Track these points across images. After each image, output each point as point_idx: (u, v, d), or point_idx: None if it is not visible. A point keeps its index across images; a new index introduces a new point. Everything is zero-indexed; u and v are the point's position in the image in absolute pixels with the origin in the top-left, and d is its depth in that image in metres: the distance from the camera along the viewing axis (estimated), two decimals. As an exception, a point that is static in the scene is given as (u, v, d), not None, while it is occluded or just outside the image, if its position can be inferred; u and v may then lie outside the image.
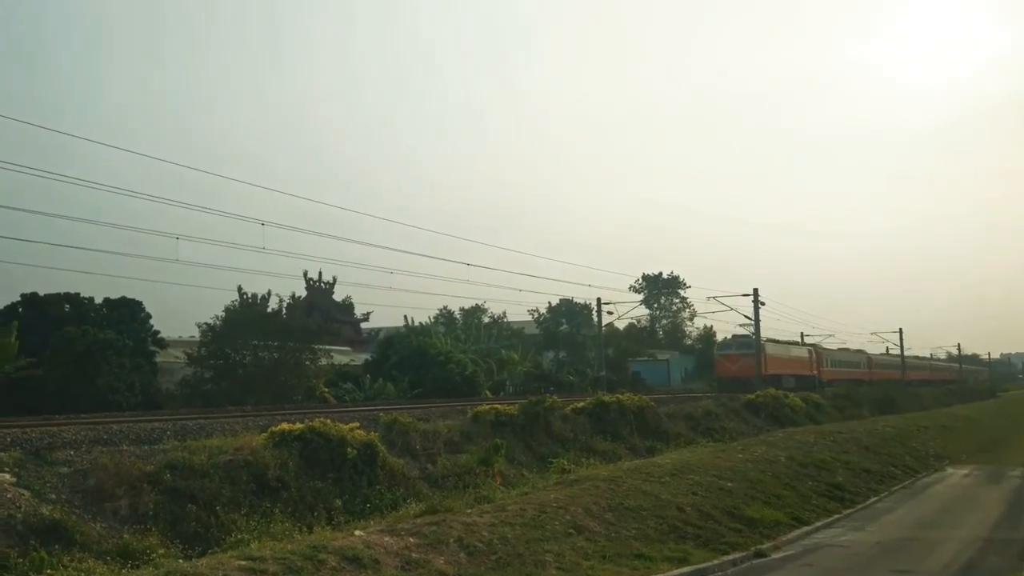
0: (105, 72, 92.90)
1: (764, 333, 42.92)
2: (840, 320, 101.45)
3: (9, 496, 8.88)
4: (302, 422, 12.24)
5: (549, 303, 55.63)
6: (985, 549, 11.74)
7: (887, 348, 73.12)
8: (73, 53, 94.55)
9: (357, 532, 9.01)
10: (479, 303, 54.06)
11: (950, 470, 22.23)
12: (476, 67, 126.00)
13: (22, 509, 8.75)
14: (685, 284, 70.78)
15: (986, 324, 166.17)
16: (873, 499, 16.41)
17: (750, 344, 41.00)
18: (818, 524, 13.34)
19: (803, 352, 49.21)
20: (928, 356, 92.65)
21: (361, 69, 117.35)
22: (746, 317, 40.67)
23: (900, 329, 70.11)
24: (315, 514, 10.68)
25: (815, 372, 48.51)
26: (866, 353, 64.48)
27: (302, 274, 45.84)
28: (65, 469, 9.92)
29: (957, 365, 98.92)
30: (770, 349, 43.02)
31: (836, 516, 14.23)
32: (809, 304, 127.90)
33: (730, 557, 10.54)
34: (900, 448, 23.57)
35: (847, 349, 62.55)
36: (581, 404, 20.73)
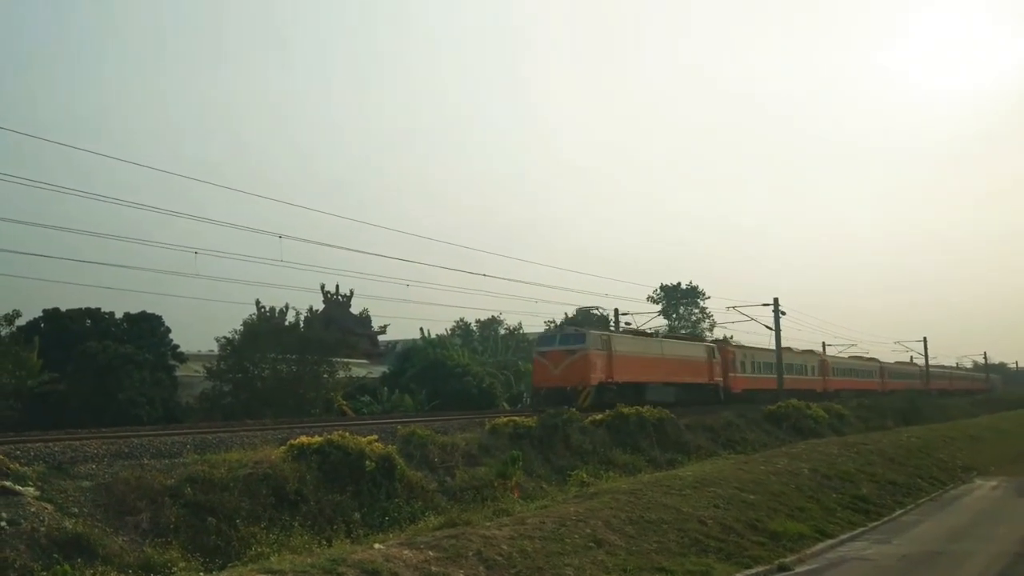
0: (114, 84, 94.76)
1: (785, 343, 41.55)
2: (864, 330, 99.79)
3: (33, 510, 8.99)
4: (320, 435, 12.30)
5: (566, 314, 55.11)
6: (1015, 563, 11.45)
7: (911, 357, 71.85)
8: (86, 67, 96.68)
9: (376, 545, 8.99)
10: (495, 314, 53.99)
11: (978, 482, 21.76)
12: (484, 78, 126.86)
13: (45, 523, 8.86)
14: (704, 294, 70.19)
15: (1014, 332, 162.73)
16: (899, 511, 16.10)
17: (581, 337, 26.32)
18: (843, 537, 13.10)
19: (695, 351, 33.56)
20: (954, 365, 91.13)
21: (375, 85, 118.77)
22: (767, 327, 39.82)
23: (924, 338, 69.01)
24: (334, 527, 10.70)
25: (716, 379, 33.60)
26: (819, 355, 49.97)
27: (319, 287, 46.15)
28: (87, 483, 10.03)
29: (980, 375, 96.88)
30: (620, 344, 27.61)
31: (861, 529, 13.98)
32: (832, 315, 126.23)
33: (753, 571, 10.39)
34: (926, 459, 23.11)
35: (789, 350, 47.26)
36: (600, 416, 20.60)
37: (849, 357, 57.24)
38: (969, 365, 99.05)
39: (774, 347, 46.19)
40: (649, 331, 34.21)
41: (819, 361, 48.57)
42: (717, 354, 34.90)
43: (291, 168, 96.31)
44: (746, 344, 42.00)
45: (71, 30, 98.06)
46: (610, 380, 26.04)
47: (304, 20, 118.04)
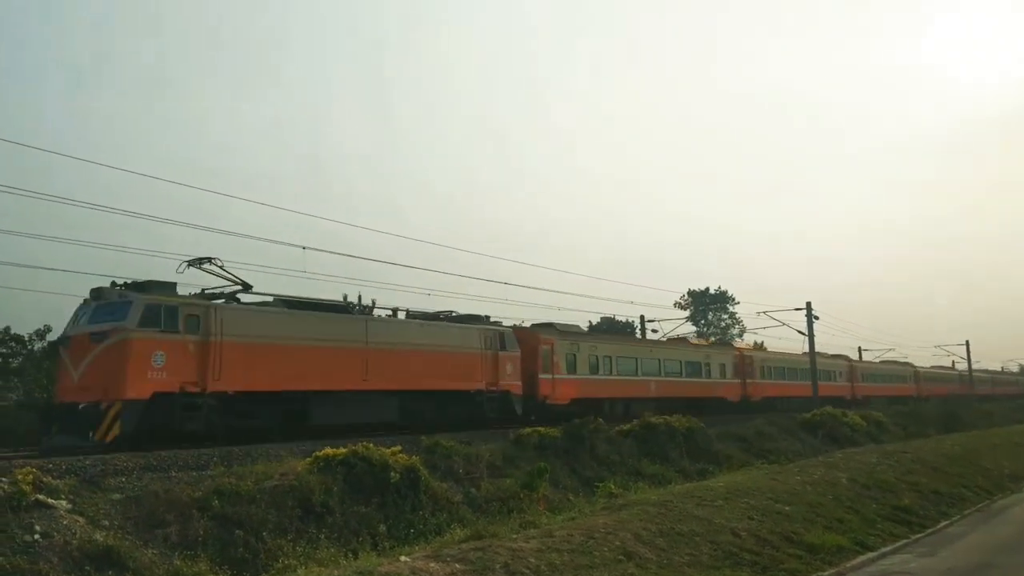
0: (131, 101, 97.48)
1: (820, 349, 40.05)
2: (905, 335, 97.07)
3: (65, 523, 9.11)
4: (345, 446, 12.28)
5: (590, 322, 54.55)
6: (1071, 577, 10.88)
7: (953, 362, 69.94)
8: (116, 87, 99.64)
9: (403, 558, 8.90)
10: (518, 323, 53.69)
11: (1028, 491, 20.89)
12: (502, 86, 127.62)
13: (77, 535, 8.96)
14: (733, 299, 69.20)
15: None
16: (944, 523, 15.50)
17: (123, 308, 14.60)
18: (884, 550, 12.62)
19: (453, 338, 20.91)
20: (999, 369, 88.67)
21: (390, 105, 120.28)
22: (799, 332, 38.96)
23: (967, 341, 67.05)
24: (360, 539, 10.67)
25: (505, 384, 21.93)
26: (739, 350, 37.08)
27: (342, 298, 46.56)
28: (118, 496, 10.15)
29: (1021, 377, 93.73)
30: (238, 323, 15.97)
31: (904, 541, 13.47)
32: (872, 320, 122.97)
33: (790, 585, 10.03)
34: (970, 468, 22.29)
35: (683, 341, 36.11)
36: (627, 426, 20.31)
37: (803, 354, 43.07)
38: (1015, 369, 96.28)
39: (681, 339, 37.11)
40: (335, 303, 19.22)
41: (734, 358, 35.10)
42: (510, 344, 22.40)
43: (311, 181, 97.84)
44: (581, 330, 28.11)
45: (105, 39, 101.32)
46: (193, 387, 14.58)
47: (326, 50, 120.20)
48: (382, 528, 11.13)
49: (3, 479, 9.33)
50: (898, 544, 13.16)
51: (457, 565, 8.64)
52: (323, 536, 10.42)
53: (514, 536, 10.05)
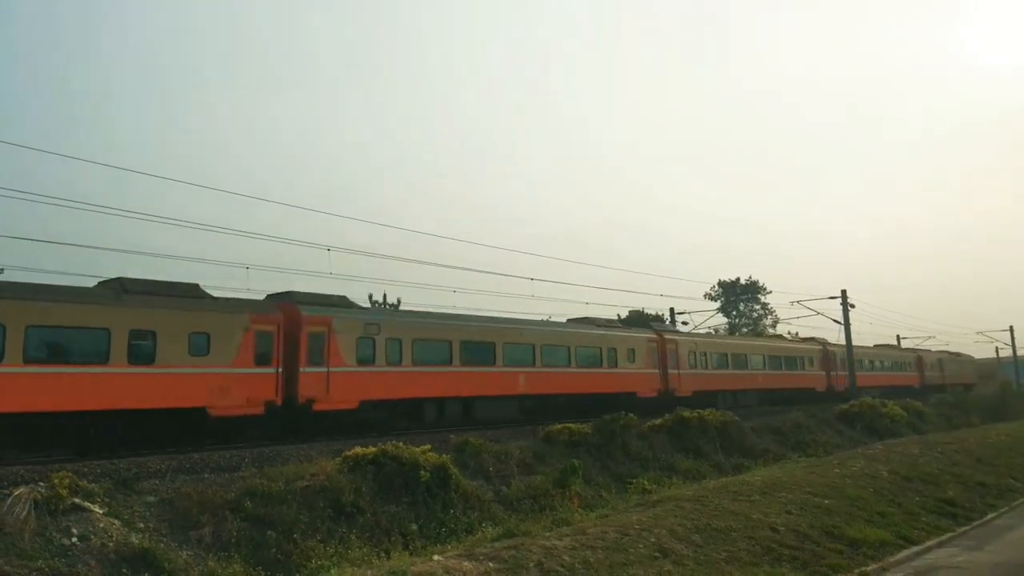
0: (160, 109, 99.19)
1: (857, 340, 39.17)
2: (946, 322, 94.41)
3: (101, 526, 9.21)
4: (374, 445, 12.26)
5: (618, 315, 54.10)
6: None
7: (996, 349, 67.82)
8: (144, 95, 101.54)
9: (435, 557, 8.82)
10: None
11: (1079, 481, 20.07)
12: (511, 96, 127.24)
13: (113, 538, 9.05)
14: (765, 289, 67.87)
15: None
16: (991, 515, 14.96)
17: None
18: (929, 543, 12.19)
19: None
20: None
21: (411, 118, 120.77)
22: (835, 321, 38.08)
23: (1011, 327, 65.01)
24: (391, 539, 10.63)
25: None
26: (661, 334, 29.10)
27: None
28: (152, 498, 10.25)
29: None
30: None
31: (949, 534, 13.01)
32: (910, 307, 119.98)
33: (832, 581, 9.72)
34: (1018, 458, 21.52)
35: (555, 322, 27.30)
36: (659, 421, 20.05)
37: (767, 337, 36.73)
38: None
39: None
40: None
41: (648, 343, 27.68)
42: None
43: (343, 191, 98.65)
44: (347, 300, 19.83)
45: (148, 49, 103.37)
46: None
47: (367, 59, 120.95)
48: (413, 527, 11.08)
49: (40, 483, 9.47)
50: (943, 537, 12.73)
51: (491, 564, 8.52)
52: (354, 536, 10.40)
53: (547, 534, 9.92)
